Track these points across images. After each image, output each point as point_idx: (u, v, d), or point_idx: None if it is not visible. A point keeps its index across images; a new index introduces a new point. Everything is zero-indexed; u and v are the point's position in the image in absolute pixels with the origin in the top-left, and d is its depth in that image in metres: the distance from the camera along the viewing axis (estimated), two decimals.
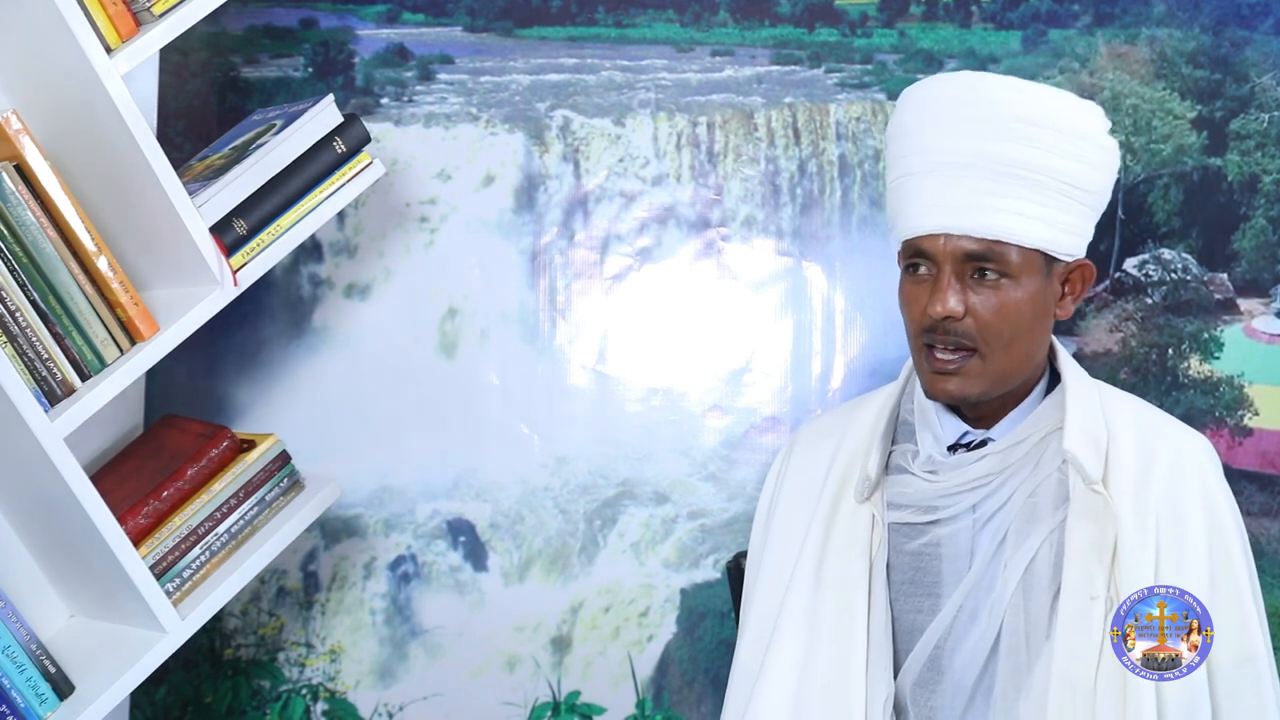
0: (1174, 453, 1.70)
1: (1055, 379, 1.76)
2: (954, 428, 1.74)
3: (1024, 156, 1.63)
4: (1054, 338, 1.75)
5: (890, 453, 1.78)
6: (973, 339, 1.65)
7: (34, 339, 1.98)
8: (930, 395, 1.71)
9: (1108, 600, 1.63)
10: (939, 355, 1.67)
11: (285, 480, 2.18)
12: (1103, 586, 1.63)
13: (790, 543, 1.80)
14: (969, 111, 1.65)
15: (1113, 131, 1.69)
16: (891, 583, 1.73)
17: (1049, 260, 1.67)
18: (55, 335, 1.99)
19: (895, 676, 1.71)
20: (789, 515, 1.83)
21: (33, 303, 1.98)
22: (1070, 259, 1.69)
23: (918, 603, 1.72)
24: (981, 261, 1.64)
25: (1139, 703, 1.60)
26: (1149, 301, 2.55)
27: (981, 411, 1.73)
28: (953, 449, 1.73)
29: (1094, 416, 1.69)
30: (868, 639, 1.71)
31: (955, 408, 1.75)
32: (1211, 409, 2.52)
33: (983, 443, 1.72)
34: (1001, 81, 1.69)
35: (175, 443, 2.18)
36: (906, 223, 1.68)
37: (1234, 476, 2.51)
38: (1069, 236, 1.67)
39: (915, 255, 1.68)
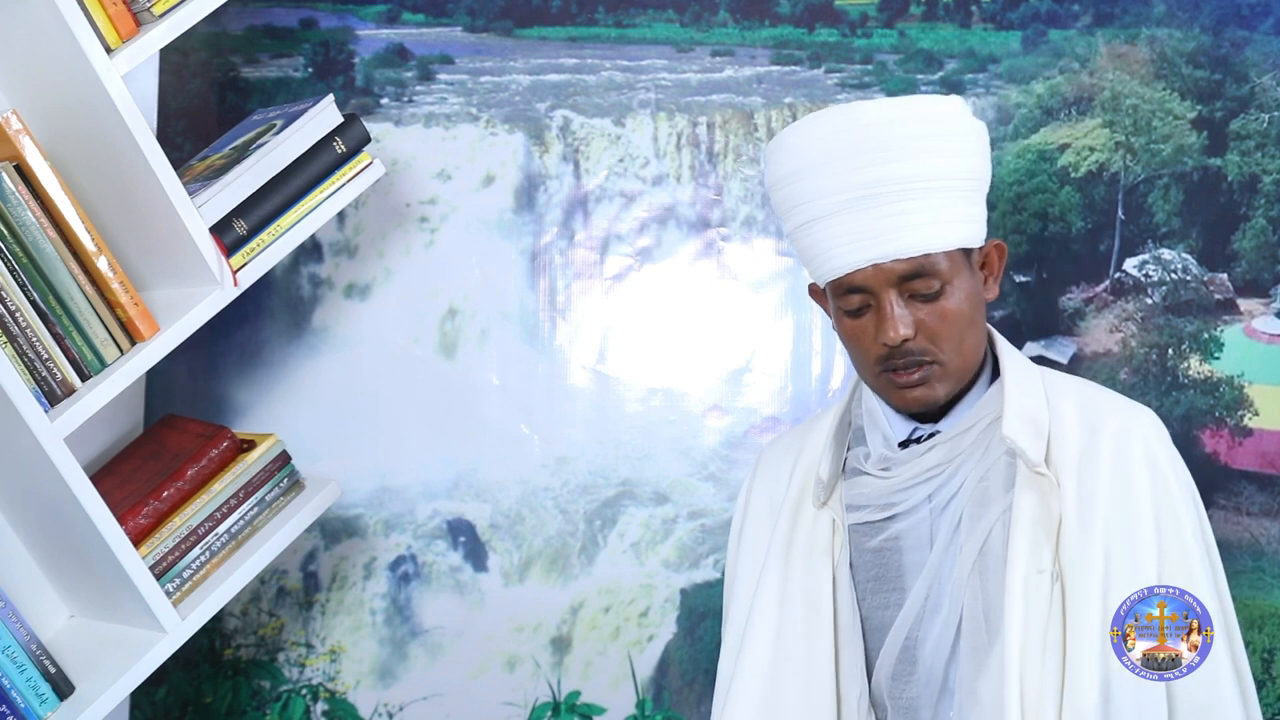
0: (1118, 427, 1.71)
1: (999, 368, 1.77)
2: (902, 426, 1.76)
3: (921, 169, 1.65)
4: (990, 328, 1.77)
5: (845, 459, 1.79)
6: (929, 353, 1.68)
7: (34, 339, 1.98)
8: (902, 409, 1.73)
9: (1053, 575, 1.64)
10: (901, 376, 1.69)
11: (285, 480, 2.18)
12: (1049, 561, 1.64)
13: (757, 557, 1.83)
14: (854, 144, 1.66)
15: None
16: (857, 583, 1.75)
17: (967, 253, 1.70)
18: (55, 335, 1.99)
19: (870, 674, 1.72)
20: (755, 532, 1.86)
21: (33, 303, 1.98)
22: (981, 245, 1.72)
23: (884, 598, 1.73)
24: (916, 279, 1.67)
25: (1080, 671, 1.60)
26: (1149, 302, 2.55)
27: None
28: (904, 446, 1.75)
29: (1034, 401, 1.71)
30: (835, 642, 1.72)
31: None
32: (1211, 409, 2.52)
33: (932, 435, 1.74)
34: (870, 106, 1.71)
35: (175, 443, 2.18)
36: (830, 264, 1.69)
37: (1234, 476, 2.52)
38: (977, 226, 1.71)
39: (849, 292, 1.70)
